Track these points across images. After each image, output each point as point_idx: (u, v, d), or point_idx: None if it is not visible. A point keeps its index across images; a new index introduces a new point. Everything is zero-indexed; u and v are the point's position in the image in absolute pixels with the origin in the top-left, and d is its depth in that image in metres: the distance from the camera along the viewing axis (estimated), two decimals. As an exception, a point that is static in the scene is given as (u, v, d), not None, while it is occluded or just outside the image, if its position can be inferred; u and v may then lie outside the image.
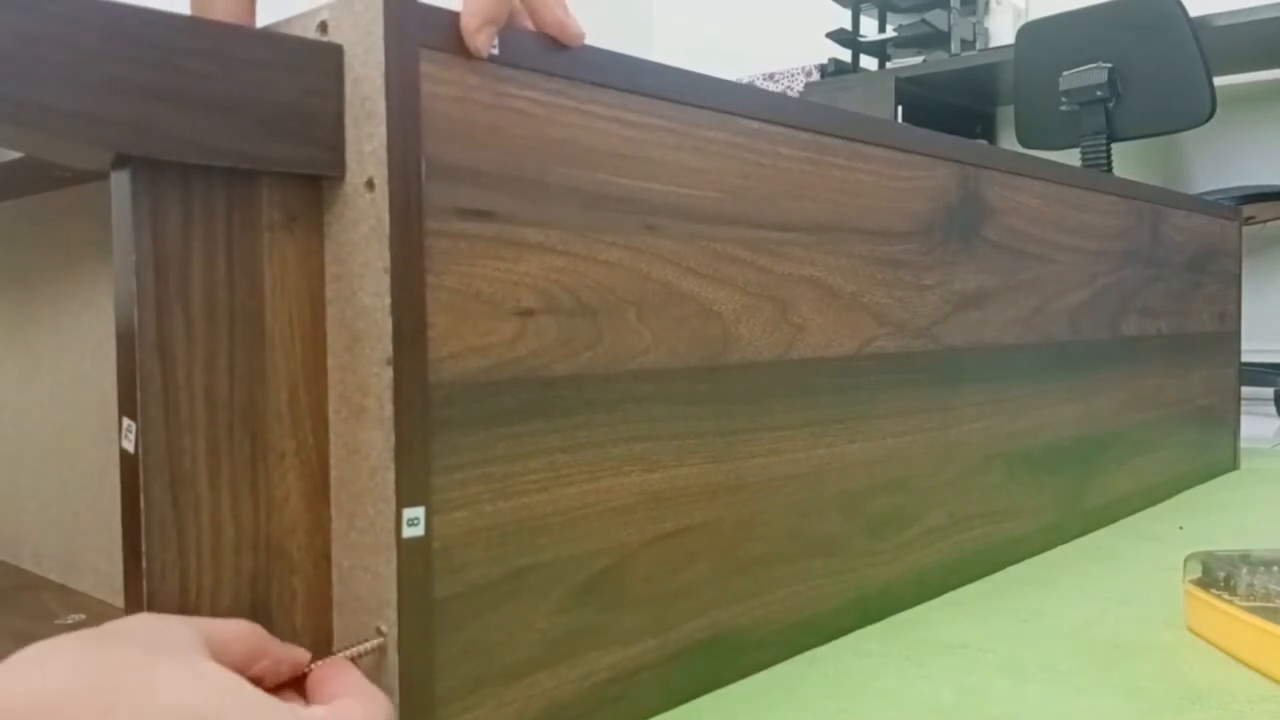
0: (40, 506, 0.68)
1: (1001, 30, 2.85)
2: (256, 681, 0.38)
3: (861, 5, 3.02)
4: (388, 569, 0.43)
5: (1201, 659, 0.63)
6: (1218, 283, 1.29)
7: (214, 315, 0.42)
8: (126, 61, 0.38)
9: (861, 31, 3.05)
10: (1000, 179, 0.83)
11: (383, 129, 0.42)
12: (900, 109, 2.75)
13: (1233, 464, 1.35)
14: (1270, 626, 0.60)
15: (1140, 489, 1.08)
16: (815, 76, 3.27)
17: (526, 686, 0.49)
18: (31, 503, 0.69)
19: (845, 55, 3.08)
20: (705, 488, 0.57)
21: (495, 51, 0.46)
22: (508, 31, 0.47)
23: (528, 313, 0.48)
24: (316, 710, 0.37)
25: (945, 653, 0.64)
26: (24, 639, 0.54)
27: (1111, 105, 2.27)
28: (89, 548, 0.63)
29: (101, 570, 0.62)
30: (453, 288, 0.45)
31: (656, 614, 0.55)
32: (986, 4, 2.88)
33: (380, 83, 0.42)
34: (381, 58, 0.42)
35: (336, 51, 0.44)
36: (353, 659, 0.43)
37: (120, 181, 0.40)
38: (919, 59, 2.88)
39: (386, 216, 0.42)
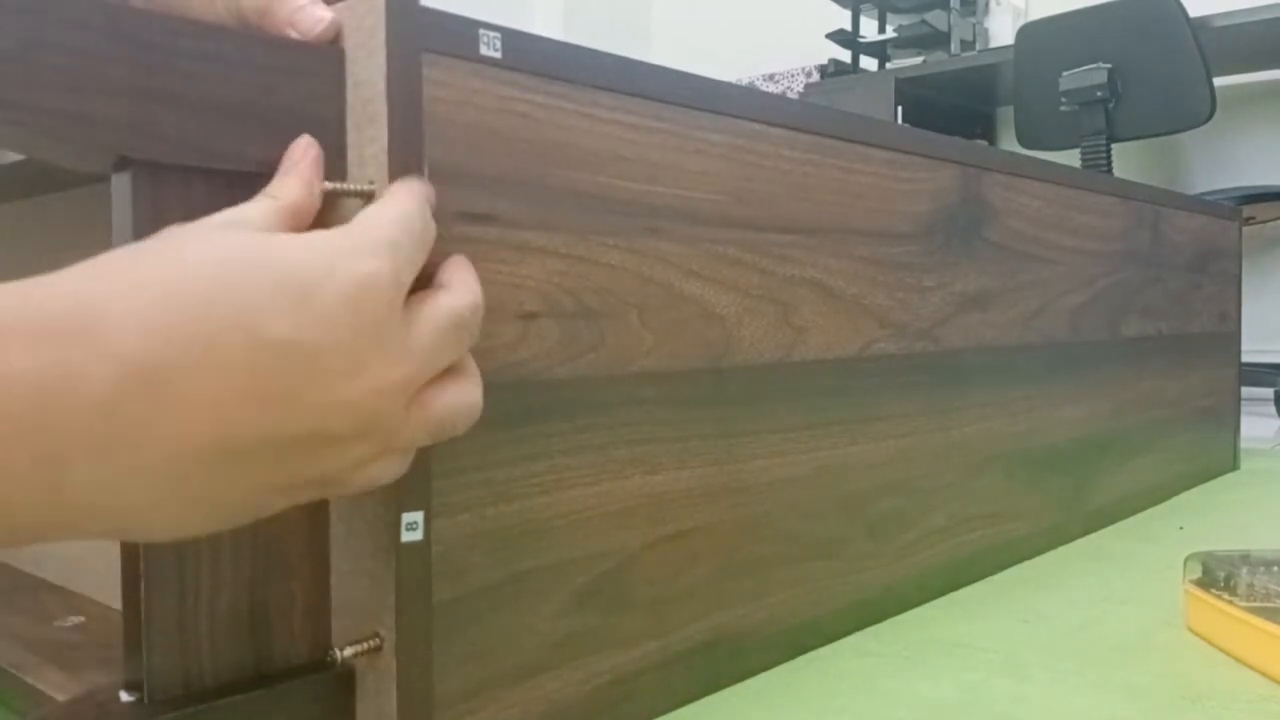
0: (41, 508, 0.68)
1: (1001, 31, 2.86)
2: None
3: (861, 6, 3.03)
4: (386, 573, 0.43)
5: (1201, 659, 0.63)
6: (1218, 283, 1.29)
7: (215, 318, 0.42)
8: (128, 64, 0.38)
9: (861, 32, 3.05)
10: (1001, 180, 0.83)
11: (384, 132, 0.42)
12: (900, 110, 2.75)
13: (1233, 464, 1.35)
14: (1270, 626, 0.60)
15: (1140, 489, 1.08)
16: (815, 77, 3.27)
17: (528, 689, 0.49)
18: (32, 505, 0.69)
19: (845, 56, 3.08)
20: (707, 490, 0.57)
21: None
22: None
23: (530, 316, 0.48)
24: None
25: (946, 652, 0.64)
26: (23, 641, 0.54)
27: (1111, 105, 2.28)
28: (88, 550, 0.63)
29: (100, 572, 0.62)
30: (454, 291, 0.45)
31: (658, 616, 0.55)
32: (986, 4, 2.88)
33: (382, 86, 0.42)
34: (383, 61, 0.42)
35: (338, 55, 0.44)
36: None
37: (121, 184, 0.40)
38: (919, 59, 2.88)
39: (388, 219, 0.42)
